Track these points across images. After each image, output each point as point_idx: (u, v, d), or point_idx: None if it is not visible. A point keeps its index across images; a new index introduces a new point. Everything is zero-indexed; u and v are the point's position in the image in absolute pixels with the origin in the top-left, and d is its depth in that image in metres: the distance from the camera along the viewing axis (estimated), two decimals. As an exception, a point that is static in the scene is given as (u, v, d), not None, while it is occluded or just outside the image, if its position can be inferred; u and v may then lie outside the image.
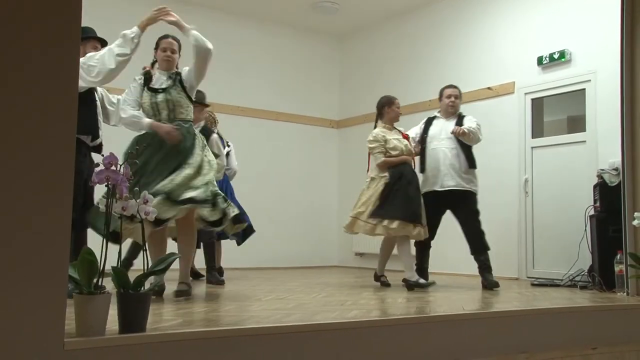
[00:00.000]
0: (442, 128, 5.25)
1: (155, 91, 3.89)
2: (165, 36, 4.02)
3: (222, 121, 6.19)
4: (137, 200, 2.28)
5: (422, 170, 5.24)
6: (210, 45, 3.86)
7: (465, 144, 5.15)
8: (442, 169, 5.11)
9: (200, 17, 7.45)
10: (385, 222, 4.78)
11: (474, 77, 6.83)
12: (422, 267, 5.19)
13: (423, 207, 4.95)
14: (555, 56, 6.03)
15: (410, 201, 4.86)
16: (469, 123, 5.16)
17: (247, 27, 7.92)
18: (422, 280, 4.84)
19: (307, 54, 8.48)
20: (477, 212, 5.12)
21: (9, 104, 1.94)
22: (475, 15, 6.94)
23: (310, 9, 7.67)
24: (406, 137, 5.22)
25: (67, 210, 2.00)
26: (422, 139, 5.30)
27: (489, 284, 4.87)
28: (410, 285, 4.77)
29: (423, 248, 5.21)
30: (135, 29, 3.75)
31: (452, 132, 5.11)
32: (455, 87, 5.40)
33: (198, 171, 3.74)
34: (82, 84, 3.46)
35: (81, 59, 3.58)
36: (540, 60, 6.17)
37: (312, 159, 8.40)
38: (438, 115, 5.39)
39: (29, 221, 1.93)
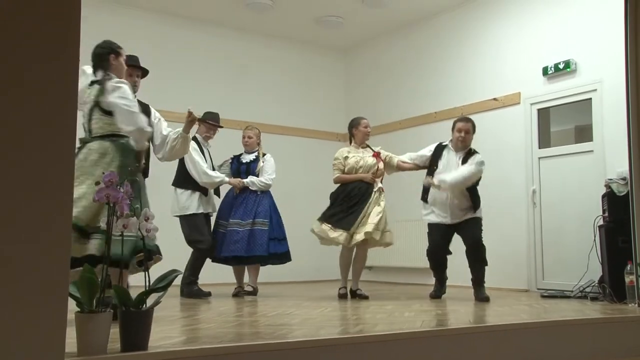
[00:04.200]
0: (451, 161, 5.18)
1: None
2: None
3: (229, 136, 6.22)
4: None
5: (425, 199, 5.24)
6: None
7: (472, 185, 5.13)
8: (448, 207, 5.11)
9: (206, 34, 7.59)
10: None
11: (479, 88, 6.82)
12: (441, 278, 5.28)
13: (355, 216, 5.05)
14: (561, 66, 6.00)
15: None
16: (469, 165, 5.07)
17: (253, 42, 7.95)
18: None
19: (312, 68, 8.51)
20: (480, 230, 5.08)
21: (8, 115, 1.93)
22: (480, 26, 6.93)
23: (314, 24, 7.70)
24: (376, 155, 5.28)
25: (67, 224, 1.98)
26: (431, 170, 5.22)
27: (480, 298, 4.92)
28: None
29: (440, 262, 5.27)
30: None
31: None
32: (468, 120, 5.29)
33: None
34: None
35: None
36: (545, 71, 6.15)
37: (319, 173, 8.35)
38: (449, 145, 5.27)
39: (27, 236, 1.90)
